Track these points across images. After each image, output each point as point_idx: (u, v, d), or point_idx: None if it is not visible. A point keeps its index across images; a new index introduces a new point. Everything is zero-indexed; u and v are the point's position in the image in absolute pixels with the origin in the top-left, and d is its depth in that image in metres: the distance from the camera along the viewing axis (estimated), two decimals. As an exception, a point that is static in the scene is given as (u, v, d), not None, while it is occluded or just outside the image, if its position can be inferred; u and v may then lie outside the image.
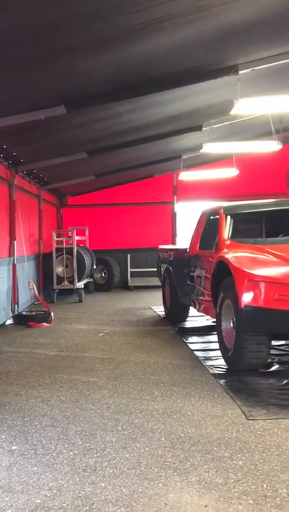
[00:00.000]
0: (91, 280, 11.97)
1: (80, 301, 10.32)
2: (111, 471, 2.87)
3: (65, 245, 10.49)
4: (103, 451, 3.14)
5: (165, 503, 2.52)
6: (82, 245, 11.52)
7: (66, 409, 3.90)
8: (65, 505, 2.52)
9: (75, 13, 3.53)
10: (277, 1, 4.19)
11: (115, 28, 3.90)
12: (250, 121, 8.42)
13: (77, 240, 10.66)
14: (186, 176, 11.43)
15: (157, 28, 3.98)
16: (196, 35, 4.45)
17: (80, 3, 3.42)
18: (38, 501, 2.56)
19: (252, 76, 5.70)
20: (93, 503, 2.53)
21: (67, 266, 10.50)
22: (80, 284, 10.47)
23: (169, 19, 3.83)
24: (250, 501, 2.52)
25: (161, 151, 10.16)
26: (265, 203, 6.67)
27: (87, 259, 10.82)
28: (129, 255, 12.79)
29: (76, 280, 10.31)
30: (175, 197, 13.27)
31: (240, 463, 2.93)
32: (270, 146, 8.57)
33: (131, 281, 12.74)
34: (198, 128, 8.55)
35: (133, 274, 12.82)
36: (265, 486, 2.67)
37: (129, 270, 12.78)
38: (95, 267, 11.87)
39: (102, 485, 2.72)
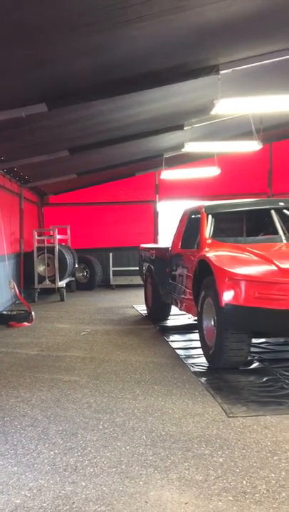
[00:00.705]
0: (73, 279, 11.92)
1: (62, 300, 10.27)
2: (92, 470, 2.87)
3: (46, 244, 10.42)
4: (84, 450, 3.14)
5: (146, 501, 2.52)
6: (63, 244, 11.46)
7: (47, 409, 3.88)
8: (45, 505, 2.51)
9: (56, 11, 3.51)
10: (257, 3, 4.22)
11: (96, 26, 3.88)
12: (231, 121, 8.48)
13: (58, 239, 10.60)
14: (168, 174, 11.46)
15: (138, 26, 3.98)
16: (176, 34, 4.46)
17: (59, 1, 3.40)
18: (18, 501, 2.55)
19: (233, 76, 5.74)
20: (74, 503, 2.52)
21: (48, 265, 10.44)
22: (62, 283, 10.42)
23: (149, 18, 3.83)
24: (230, 498, 2.54)
25: (142, 150, 10.17)
26: (246, 202, 6.73)
27: (69, 258, 10.77)
28: (111, 254, 12.77)
29: (58, 279, 10.25)
30: (157, 196, 13.29)
31: (221, 460, 2.96)
32: (251, 146, 8.65)
33: (113, 280, 12.72)
34: (180, 127, 8.58)
35: (115, 273, 12.81)
36: (244, 482, 2.70)
37: (111, 269, 12.76)
38: (76, 266, 11.82)
39: (83, 484, 2.71)
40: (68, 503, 2.52)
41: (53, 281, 10.27)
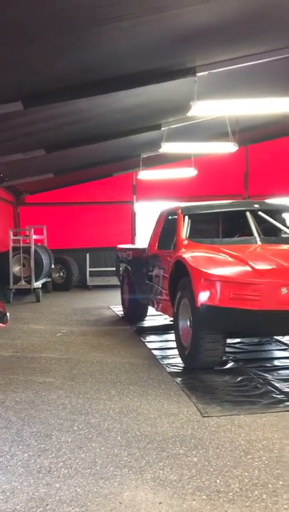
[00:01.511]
0: (49, 280, 11.82)
1: (38, 300, 10.18)
2: (66, 472, 2.85)
3: (22, 244, 10.31)
4: (58, 451, 3.11)
5: (120, 502, 2.52)
6: (40, 244, 11.36)
7: (21, 411, 3.84)
8: (18, 507, 2.48)
9: (33, 10, 3.48)
10: (233, 7, 4.28)
11: (74, 25, 3.87)
12: (208, 123, 8.55)
13: (34, 239, 10.50)
14: (145, 175, 11.47)
15: (116, 26, 3.98)
16: (154, 36, 4.49)
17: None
18: (-10, 505, 2.51)
19: (210, 79, 5.80)
20: (47, 504, 2.50)
21: (24, 265, 10.32)
22: (38, 284, 10.33)
23: (128, 18, 3.84)
24: (204, 497, 2.56)
25: (120, 150, 10.17)
26: (222, 203, 6.79)
27: (45, 259, 10.68)
28: (88, 254, 12.71)
29: (33, 280, 10.15)
30: (134, 196, 13.30)
31: (195, 459, 2.98)
32: (227, 148, 8.74)
33: (90, 281, 12.67)
34: (157, 127, 8.61)
35: (92, 274, 12.75)
36: (218, 481, 2.72)
37: (88, 270, 12.70)
38: (53, 266, 11.73)
39: (57, 485, 2.69)
40: (42, 505, 2.50)
41: (29, 281, 10.16)
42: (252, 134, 11.08)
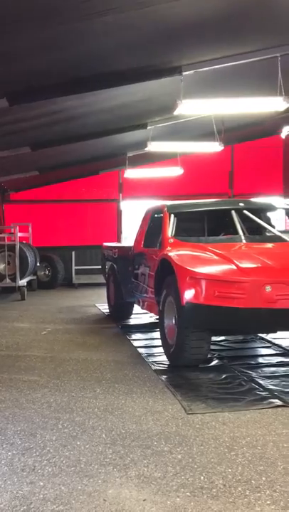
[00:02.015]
0: (34, 278, 11.75)
1: (23, 299, 10.11)
2: (50, 470, 2.84)
3: (7, 242, 10.23)
4: (43, 450, 3.10)
5: (104, 499, 2.53)
6: (25, 242, 11.29)
7: (5, 409, 3.82)
8: (1, 505, 2.47)
9: (18, 4, 3.45)
10: (219, 7, 4.29)
11: (59, 19, 3.84)
12: (194, 122, 8.57)
13: (19, 237, 10.43)
14: (131, 173, 11.46)
15: (101, 21, 3.96)
16: (139, 33, 4.49)
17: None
18: (-26, 504, 2.50)
19: (196, 78, 5.81)
20: (31, 503, 2.50)
21: (9, 263, 10.25)
22: (23, 282, 10.26)
23: (111, 13, 3.82)
24: (188, 493, 2.58)
25: (106, 148, 10.14)
26: (208, 202, 6.83)
27: (30, 256, 10.61)
28: (73, 252, 12.67)
29: (18, 278, 10.08)
30: (120, 195, 13.28)
31: (179, 456, 2.99)
32: (212, 147, 8.78)
33: (75, 279, 12.63)
34: (144, 126, 8.61)
35: (78, 272, 12.71)
36: (202, 478, 2.74)
37: (74, 268, 12.66)
38: (38, 264, 11.66)
39: (41, 484, 2.69)
40: (26, 503, 2.50)
41: (14, 279, 10.09)
42: (237, 134, 11.15)
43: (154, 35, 4.64)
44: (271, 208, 6.85)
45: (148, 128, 8.70)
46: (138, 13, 3.98)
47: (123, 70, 5.46)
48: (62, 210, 13.02)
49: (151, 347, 5.81)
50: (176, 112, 6.04)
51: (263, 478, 2.72)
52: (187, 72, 5.60)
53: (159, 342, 5.47)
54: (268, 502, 2.48)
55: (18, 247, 10.15)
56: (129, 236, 11.43)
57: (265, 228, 6.05)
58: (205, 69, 5.68)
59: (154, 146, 8.80)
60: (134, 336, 6.43)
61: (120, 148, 10.65)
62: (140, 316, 7.63)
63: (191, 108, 5.99)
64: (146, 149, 9.02)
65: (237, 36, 5.16)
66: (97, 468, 2.86)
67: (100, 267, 9.28)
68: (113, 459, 2.98)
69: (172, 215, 6.00)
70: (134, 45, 4.79)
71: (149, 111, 7.93)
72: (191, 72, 5.62)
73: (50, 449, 3.11)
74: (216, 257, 4.92)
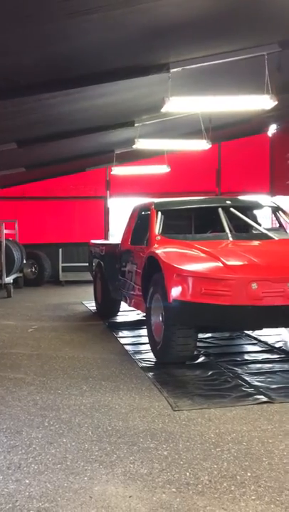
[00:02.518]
0: (20, 275, 11.67)
1: (9, 296, 10.04)
2: (36, 468, 2.84)
3: (-7, 239, 10.15)
4: (28, 447, 3.09)
5: (90, 496, 2.53)
6: (11, 239, 11.20)
7: (-9, 407, 3.80)
8: (-13, 504, 2.46)
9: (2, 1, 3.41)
10: (207, 4, 4.30)
11: (43, 15, 3.81)
12: (181, 120, 8.58)
13: (6, 234, 10.35)
14: (118, 171, 11.44)
15: (87, 19, 3.94)
16: (126, 30, 4.46)
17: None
18: None
19: (183, 75, 5.81)
20: (17, 500, 2.49)
21: (-5, 260, 10.16)
22: (9, 279, 10.19)
23: (97, 11, 3.80)
24: (174, 489, 2.59)
25: (93, 145, 10.10)
26: (195, 200, 6.85)
27: (17, 254, 10.54)
28: (60, 250, 12.61)
29: (4, 275, 10.01)
30: (108, 192, 13.25)
31: (165, 453, 3.01)
32: (200, 145, 8.80)
33: (62, 276, 12.58)
34: (131, 123, 8.58)
35: (65, 269, 12.66)
36: (188, 474, 2.75)
37: (61, 265, 12.61)
38: (24, 261, 11.58)
39: (27, 481, 2.68)
40: (11, 501, 2.49)
41: (0, 277, 10.01)
42: (224, 132, 11.18)
43: (142, 33, 4.62)
44: (258, 205, 6.89)
45: (136, 125, 8.68)
46: (125, 11, 3.96)
47: (110, 67, 5.43)
48: (49, 207, 12.95)
49: (138, 344, 5.82)
50: (163, 109, 6.03)
51: (248, 474, 2.74)
52: (175, 70, 5.59)
53: (146, 339, 5.48)
54: (253, 497, 2.51)
55: (4, 244, 10.07)
56: (116, 233, 11.42)
57: (251, 226, 6.09)
58: (193, 66, 5.67)
59: (141, 144, 8.79)
60: (121, 333, 6.43)
61: (108, 146, 10.61)
62: (127, 313, 7.63)
63: (179, 105, 6.00)
64: (134, 147, 9.00)
65: (224, 34, 5.16)
66: (84, 466, 2.86)
67: (87, 264, 9.26)
68: (99, 456, 2.98)
69: (159, 213, 6.00)
70: (122, 42, 4.76)
71: (137, 108, 7.91)
72: (179, 69, 5.61)
73: (36, 447, 3.10)
74: (202, 255, 4.94)
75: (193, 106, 6.29)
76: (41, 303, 9.38)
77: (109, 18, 4.07)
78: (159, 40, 4.94)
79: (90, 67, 5.33)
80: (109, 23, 4.17)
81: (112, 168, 11.38)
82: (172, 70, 5.59)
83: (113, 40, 4.66)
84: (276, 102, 5.92)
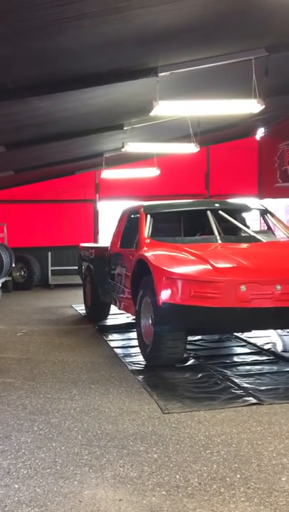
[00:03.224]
0: (9, 279, 11.61)
1: (-2, 300, 9.99)
2: (25, 472, 2.82)
3: (-19, 242, 10.08)
4: (18, 452, 3.08)
5: (80, 501, 2.52)
6: (0, 242, 11.14)
7: (-21, 412, 3.77)
8: (-25, 510, 2.44)
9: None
10: (195, 9, 4.33)
11: (33, 21, 3.81)
12: (170, 123, 8.61)
13: (-5, 237, 10.29)
14: (108, 174, 11.45)
15: (77, 24, 3.95)
16: (116, 35, 4.47)
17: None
18: None
19: (172, 79, 5.84)
20: (6, 506, 2.47)
21: (-16, 264, 10.10)
22: (-2, 283, 10.13)
23: (88, 17, 3.82)
24: (164, 492, 2.59)
25: (82, 149, 10.09)
26: (184, 203, 6.87)
27: (5, 257, 10.47)
28: (50, 253, 12.57)
29: (-7, 279, 9.95)
30: (97, 195, 13.24)
31: (155, 456, 3.01)
32: (189, 148, 8.84)
33: (52, 280, 12.53)
34: (120, 127, 8.60)
35: (54, 273, 12.61)
36: (178, 476, 2.76)
37: (50, 268, 12.56)
38: (13, 265, 11.51)
39: (16, 486, 2.66)
40: (0, 506, 2.47)
41: (-11, 280, 9.95)
42: (213, 135, 11.24)
43: (131, 38, 4.64)
44: (246, 208, 6.94)
45: (125, 129, 8.69)
46: (116, 17, 3.97)
47: (99, 71, 5.43)
48: (38, 210, 12.90)
49: (128, 347, 5.82)
50: (152, 113, 6.05)
51: (238, 476, 2.75)
52: (163, 74, 5.62)
53: (135, 342, 5.48)
54: (243, 499, 2.52)
55: (-7, 247, 10.01)
56: (105, 236, 11.41)
57: (240, 228, 6.13)
58: (181, 70, 5.70)
59: (130, 147, 8.81)
60: (110, 337, 6.42)
61: (97, 149, 10.61)
62: (117, 316, 7.62)
63: (167, 109, 6.02)
64: (123, 150, 9.01)
65: (212, 39, 5.20)
66: (73, 470, 2.85)
67: (76, 267, 9.23)
68: (89, 459, 2.97)
69: (149, 216, 6.02)
70: (110, 47, 4.78)
71: (126, 112, 7.93)
72: (167, 73, 5.64)
73: (25, 451, 3.08)
74: (192, 257, 4.96)
75: (182, 110, 6.32)
76: (30, 307, 9.33)
77: (99, 24, 4.08)
78: (148, 45, 4.96)
79: (78, 71, 5.34)
80: (100, 28, 4.18)
81: (102, 172, 11.38)
82: (160, 74, 5.61)
83: (102, 45, 4.68)
84: (263, 106, 5.96)
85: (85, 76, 5.42)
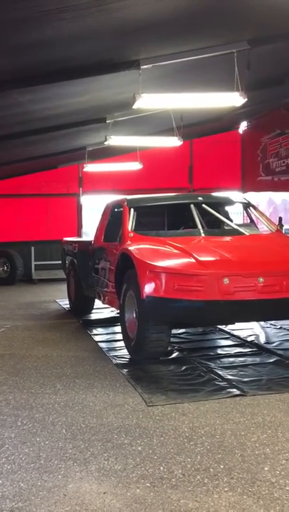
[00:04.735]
0: (-8, 274, 11.52)
1: (-19, 295, 9.89)
2: (9, 467, 2.81)
3: None
4: (1, 447, 3.06)
5: (64, 494, 2.52)
6: (-18, 237, 11.03)
7: None
8: None
9: None
10: (176, 2, 4.31)
11: (13, 13, 3.75)
12: (153, 117, 8.58)
13: (-23, 232, 10.17)
14: (91, 168, 11.38)
15: (58, 17, 3.90)
16: (98, 27, 4.44)
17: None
18: None
19: (154, 72, 5.82)
20: (-11, 502, 2.46)
21: None
22: (-19, 278, 10.02)
23: (69, 10, 3.77)
24: (148, 484, 2.61)
25: (65, 142, 10.01)
26: (168, 196, 6.87)
27: (-12, 252, 10.37)
28: (33, 248, 12.48)
29: (-24, 274, 9.84)
30: (81, 189, 13.16)
31: (139, 448, 3.02)
32: (172, 142, 8.84)
33: (35, 275, 12.45)
34: (103, 120, 8.55)
35: (37, 267, 12.53)
36: (162, 468, 2.78)
37: (34, 263, 12.48)
38: (-4, 260, 11.43)
39: (0, 482, 2.65)
40: (-17, 502, 2.46)
41: (-29, 276, 9.85)
42: (196, 129, 11.26)
43: (112, 29, 4.60)
44: (229, 202, 6.97)
45: (107, 122, 8.64)
46: (97, 9, 3.94)
47: (80, 64, 5.39)
48: (20, 204, 12.77)
49: (113, 341, 5.82)
50: (134, 106, 6.03)
51: (221, 466, 2.78)
52: (145, 66, 5.59)
53: (120, 336, 5.48)
54: (226, 489, 2.55)
55: (-25, 242, 9.90)
56: (89, 230, 11.36)
57: (223, 222, 6.15)
58: (163, 63, 5.68)
59: (113, 141, 8.77)
60: (95, 331, 6.41)
61: (80, 143, 10.54)
62: (101, 310, 7.61)
63: (150, 102, 6.00)
64: (106, 143, 8.97)
65: (194, 31, 5.18)
66: (57, 464, 2.85)
67: (60, 262, 9.18)
68: (73, 453, 2.97)
69: (132, 209, 6.00)
70: (92, 38, 4.73)
71: (108, 105, 7.88)
72: (149, 66, 5.61)
73: (8, 447, 3.07)
74: (175, 251, 4.97)
75: (164, 103, 6.31)
76: (14, 302, 9.26)
77: (81, 16, 4.03)
78: (129, 37, 4.92)
79: (59, 64, 5.28)
80: (81, 20, 4.14)
81: (85, 165, 11.31)
82: (143, 67, 5.58)
83: (84, 37, 4.63)
84: (246, 99, 5.98)
85: (67, 69, 5.37)
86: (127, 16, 4.32)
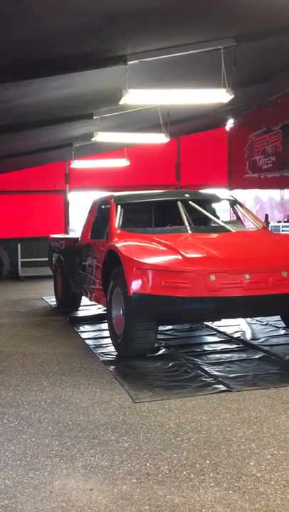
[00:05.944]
0: (-22, 271, 11.41)
1: None
2: (-5, 466, 2.79)
3: None
4: (-13, 446, 3.04)
5: (50, 491, 2.51)
6: None
7: None
8: None
9: None
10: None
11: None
12: (140, 113, 8.56)
13: None
14: (78, 164, 11.33)
15: (42, 2, 3.85)
16: (83, 20, 4.40)
17: None
18: None
19: (141, 68, 5.80)
20: (-26, 500, 2.44)
21: None
22: None
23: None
24: (134, 480, 2.61)
25: (51, 138, 9.94)
26: (155, 193, 6.87)
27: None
28: (19, 245, 12.39)
29: None
30: (67, 185, 13.10)
31: (126, 445, 3.02)
32: (159, 139, 8.83)
33: (22, 272, 12.37)
34: (89, 116, 8.50)
35: (24, 264, 12.45)
36: (148, 464, 2.78)
37: (20, 260, 12.40)
38: (-18, 257, 11.33)
39: (-15, 480, 2.63)
40: None
41: None
42: (183, 126, 11.26)
43: (98, 22, 4.57)
44: (216, 199, 7.00)
45: (94, 118, 8.60)
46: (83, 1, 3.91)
47: (66, 58, 5.34)
48: (6, 201, 12.67)
49: (100, 338, 5.81)
50: (121, 102, 6.00)
51: (207, 462, 2.79)
52: (132, 62, 5.57)
53: (107, 333, 5.48)
54: (212, 484, 2.56)
55: None
56: (76, 227, 11.32)
57: (210, 219, 6.17)
58: (150, 59, 5.67)
59: (100, 137, 8.73)
60: (82, 328, 6.39)
61: (66, 139, 10.47)
62: (88, 307, 7.59)
63: (137, 98, 5.99)
64: (93, 140, 8.93)
65: (180, 26, 5.18)
66: (44, 461, 2.84)
67: (46, 259, 9.13)
68: (60, 450, 2.96)
69: (119, 206, 5.99)
70: (78, 31, 4.70)
71: (95, 101, 7.83)
72: (136, 61, 5.59)
73: (-6, 445, 3.05)
74: (162, 248, 4.97)
75: (151, 99, 6.30)
76: (0, 299, 9.19)
77: (65, 5, 3.99)
78: (115, 30, 4.88)
79: (45, 56, 5.23)
80: (65, 12, 4.10)
81: (72, 162, 11.25)
82: (129, 63, 5.56)
83: (69, 30, 4.59)
84: (232, 96, 6.00)
85: (52, 64, 5.33)
86: (113, 5, 4.26)
